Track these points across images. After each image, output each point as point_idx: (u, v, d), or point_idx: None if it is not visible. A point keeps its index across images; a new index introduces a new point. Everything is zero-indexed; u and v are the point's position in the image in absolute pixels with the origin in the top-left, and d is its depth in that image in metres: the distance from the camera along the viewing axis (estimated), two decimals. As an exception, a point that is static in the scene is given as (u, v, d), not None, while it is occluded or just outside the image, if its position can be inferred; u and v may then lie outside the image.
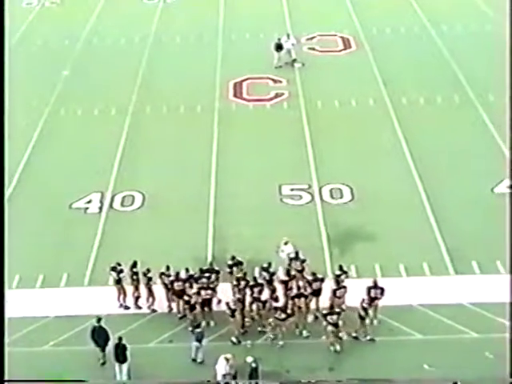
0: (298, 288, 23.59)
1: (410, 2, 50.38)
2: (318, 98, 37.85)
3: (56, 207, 29.63)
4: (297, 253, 24.67)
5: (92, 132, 35.50)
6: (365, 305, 22.72)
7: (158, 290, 24.11)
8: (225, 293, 24.06)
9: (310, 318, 23.30)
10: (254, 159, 32.61)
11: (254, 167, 31.98)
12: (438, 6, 48.82)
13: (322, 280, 23.59)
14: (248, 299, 23.22)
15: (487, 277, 25.21)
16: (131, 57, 43.63)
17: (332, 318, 22.19)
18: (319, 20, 47.76)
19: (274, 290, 23.65)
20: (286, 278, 24.00)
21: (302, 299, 23.07)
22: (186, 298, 23.23)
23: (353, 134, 34.56)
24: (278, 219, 28.43)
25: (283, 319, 22.47)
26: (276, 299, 23.40)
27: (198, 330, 22.15)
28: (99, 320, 22.27)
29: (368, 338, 22.73)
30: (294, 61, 42.00)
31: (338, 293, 23.25)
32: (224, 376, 20.88)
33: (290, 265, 24.51)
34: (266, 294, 23.43)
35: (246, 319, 23.05)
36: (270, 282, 23.74)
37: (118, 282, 24.31)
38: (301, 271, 24.30)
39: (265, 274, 23.89)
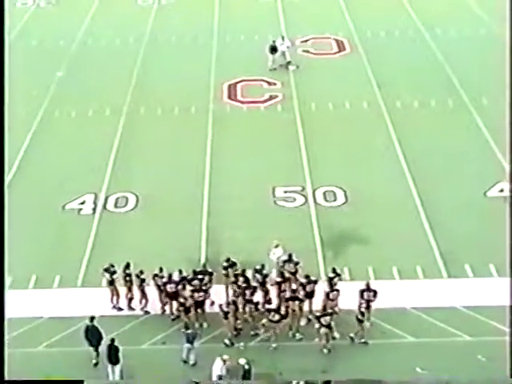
0: (293, 291, 23.57)
1: (405, 5, 50.48)
2: (312, 101, 37.88)
3: (49, 208, 29.62)
4: (290, 255, 24.68)
5: (86, 133, 35.45)
6: (362, 309, 22.78)
7: (151, 291, 24.09)
8: (218, 295, 24.08)
9: (303, 321, 23.32)
10: (248, 161, 32.60)
11: (247, 169, 31.97)
12: (432, 10, 48.90)
13: (316, 282, 23.60)
14: (240, 301, 23.20)
15: (480, 280, 25.27)
16: (126, 58, 43.60)
17: (325, 320, 22.24)
18: (314, 22, 47.78)
19: (267, 292, 23.69)
20: (280, 280, 24.03)
21: (296, 302, 23.07)
22: (181, 300, 23.19)
23: (347, 136, 34.59)
24: (271, 221, 28.44)
25: (277, 321, 22.50)
26: (269, 301, 23.44)
27: (189, 331, 22.15)
28: (92, 319, 22.29)
29: (362, 340, 22.76)
30: (289, 63, 42.04)
31: (331, 295, 23.27)
32: (220, 377, 20.86)
33: (282, 267, 24.54)
34: (259, 296, 23.46)
35: (239, 321, 23.04)
36: (263, 284, 23.77)
37: (111, 283, 24.31)
38: (294, 273, 24.32)
39: (258, 276, 23.92)
